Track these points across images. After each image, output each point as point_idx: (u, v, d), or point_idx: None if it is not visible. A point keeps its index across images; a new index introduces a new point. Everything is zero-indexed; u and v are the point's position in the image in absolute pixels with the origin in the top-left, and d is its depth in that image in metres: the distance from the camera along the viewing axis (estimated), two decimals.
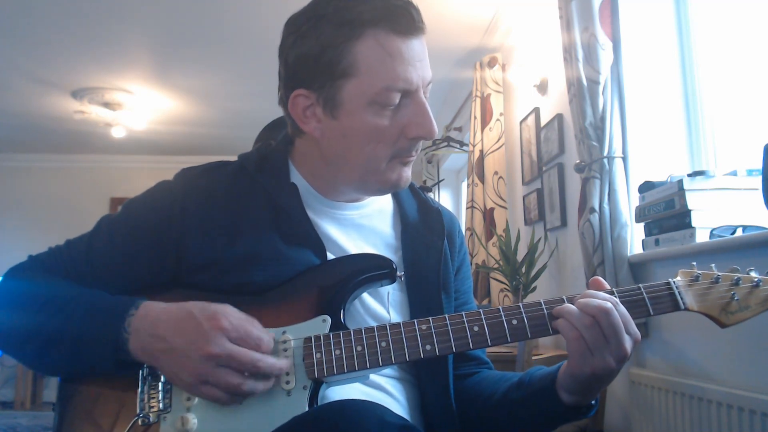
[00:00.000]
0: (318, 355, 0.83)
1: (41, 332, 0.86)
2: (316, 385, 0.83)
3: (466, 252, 1.13)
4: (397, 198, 1.08)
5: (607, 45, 2.10)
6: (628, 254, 2.02)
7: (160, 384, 0.84)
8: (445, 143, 4.01)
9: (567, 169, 2.66)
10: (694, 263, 0.92)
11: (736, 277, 0.87)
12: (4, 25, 3.53)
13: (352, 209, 1.02)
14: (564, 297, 0.87)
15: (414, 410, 0.96)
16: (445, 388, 0.98)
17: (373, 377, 0.92)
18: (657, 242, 1.89)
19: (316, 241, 0.94)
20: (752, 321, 0.88)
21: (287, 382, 0.83)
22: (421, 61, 0.90)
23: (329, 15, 0.89)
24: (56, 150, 6.32)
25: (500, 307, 0.87)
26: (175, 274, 0.93)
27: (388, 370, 0.95)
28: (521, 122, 3.23)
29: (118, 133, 5.06)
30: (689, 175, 1.77)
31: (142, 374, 0.85)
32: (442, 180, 4.40)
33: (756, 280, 0.87)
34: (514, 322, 0.86)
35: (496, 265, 2.76)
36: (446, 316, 0.86)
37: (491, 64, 3.44)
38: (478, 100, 3.49)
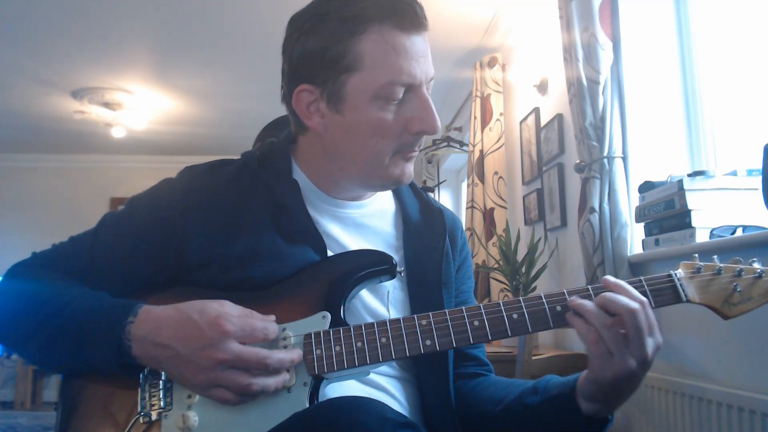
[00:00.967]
0: (318, 351, 0.84)
1: (43, 332, 0.87)
2: (317, 382, 0.83)
3: (468, 252, 1.12)
4: (399, 198, 1.09)
5: (607, 45, 2.10)
6: (628, 254, 2.02)
7: (161, 382, 0.84)
8: (445, 143, 4.01)
9: (567, 169, 2.66)
10: (696, 255, 0.90)
11: (738, 269, 0.86)
12: (5, 26, 3.53)
13: (353, 208, 1.02)
14: (589, 287, 0.85)
15: (414, 410, 0.96)
16: (445, 387, 0.97)
17: (373, 376, 0.92)
18: (657, 242, 1.89)
19: (316, 238, 0.94)
20: (752, 321, 0.87)
21: (288, 379, 0.83)
22: (424, 56, 0.91)
23: (333, 12, 0.90)
24: (56, 150, 6.32)
25: (500, 302, 0.87)
26: (175, 271, 0.93)
27: (387, 370, 0.95)
28: (521, 122, 3.23)
29: (118, 133, 5.06)
30: (689, 175, 1.77)
31: (143, 373, 0.85)
32: (444, 181, 4.40)
33: (759, 271, 0.86)
34: (515, 316, 0.85)
35: (496, 265, 2.76)
36: (446, 311, 0.86)
37: (491, 64, 3.44)
38: (478, 100, 3.49)
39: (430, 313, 0.86)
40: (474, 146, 3.52)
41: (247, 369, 0.79)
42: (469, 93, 3.91)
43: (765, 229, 1.55)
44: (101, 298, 0.89)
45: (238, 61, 4.09)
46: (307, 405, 0.82)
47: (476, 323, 0.85)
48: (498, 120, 3.37)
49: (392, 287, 0.98)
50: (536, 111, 3.01)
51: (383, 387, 0.93)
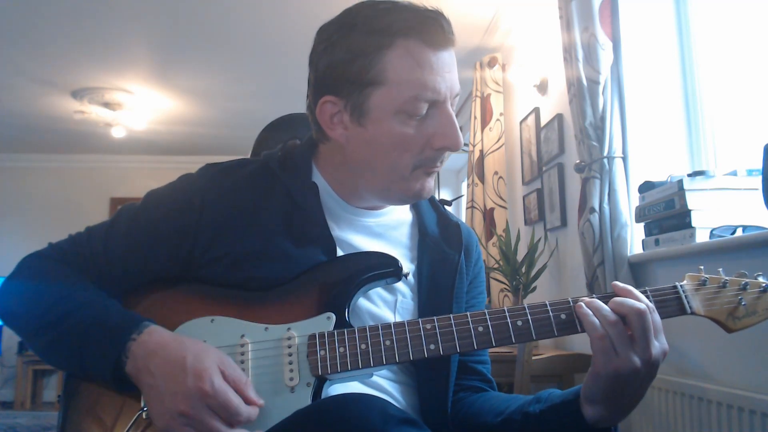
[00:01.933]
0: (322, 352, 0.84)
1: (49, 332, 0.88)
2: (320, 382, 0.84)
3: (482, 267, 1.12)
4: (416, 209, 1.09)
5: (607, 45, 2.10)
6: (628, 254, 2.02)
7: None
8: None
9: (567, 169, 2.66)
10: (701, 267, 0.91)
11: (743, 282, 0.87)
12: (5, 26, 3.53)
13: (370, 217, 1.02)
14: (595, 296, 0.86)
15: (412, 413, 0.96)
16: (444, 395, 0.98)
17: (375, 379, 0.92)
18: (657, 242, 1.89)
19: (328, 240, 0.95)
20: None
21: (291, 379, 0.83)
22: (449, 72, 0.91)
23: (360, 24, 0.90)
24: (56, 150, 6.32)
25: (505, 308, 0.87)
26: (186, 266, 0.94)
27: (389, 373, 0.95)
28: (521, 122, 3.23)
29: (118, 133, 5.06)
30: (689, 175, 1.77)
31: None
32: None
33: (764, 285, 0.86)
34: (519, 323, 0.85)
35: (496, 265, 2.76)
36: (451, 316, 0.86)
37: (491, 64, 3.44)
38: (478, 100, 3.49)
39: (435, 318, 0.86)
40: (474, 146, 3.52)
41: None
42: (469, 93, 3.92)
43: (765, 229, 1.55)
44: (110, 307, 0.89)
45: (238, 61, 4.08)
46: None
47: (480, 329, 0.85)
48: (498, 120, 3.37)
49: (401, 295, 0.98)
50: (536, 111, 3.02)
51: (384, 389, 0.94)
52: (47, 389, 5.99)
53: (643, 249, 1.98)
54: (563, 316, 0.85)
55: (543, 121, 2.94)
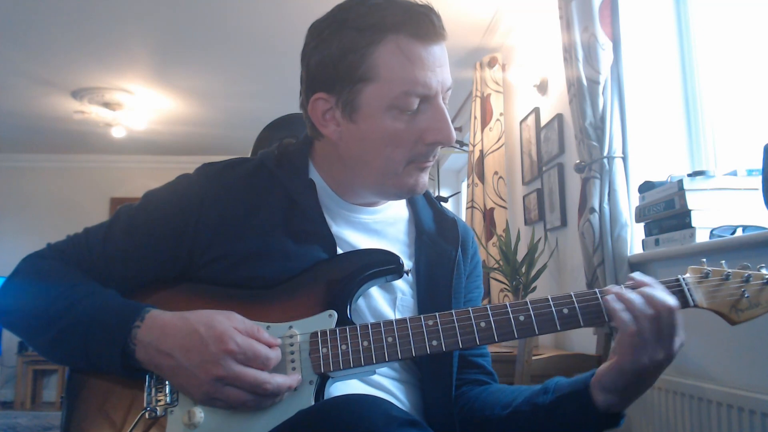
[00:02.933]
0: (324, 349, 0.84)
1: (51, 328, 0.88)
2: (322, 380, 0.84)
3: (478, 261, 1.13)
4: (413, 205, 1.09)
5: (607, 45, 2.10)
6: (628, 254, 2.03)
7: None
8: None
9: (567, 169, 2.66)
10: (704, 260, 0.91)
11: (746, 275, 0.87)
12: (5, 25, 3.53)
13: (367, 213, 1.02)
14: (621, 286, 0.86)
15: (415, 412, 0.97)
16: (447, 392, 0.98)
17: (377, 377, 0.92)
18: (657, 242, 1.89)
19: (327, 239, 0.95)
20: (752, 322, 0.88)
21: None
22: (441, 66, 0.91)
23: (351, 20, 0.90)
24: (56, 150, 6.32)
25: (507, 303, 0.87)
26: (186, 266, 0.94)
27: (391, 371, 0.95)
28: (521, 122, 3.23)
29: (118, 133, 5.06)
30: (689, 175, 1.77)
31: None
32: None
33: (767, 277, 0.86)
34: (521, 318, 0.85)
35: (496, 265, 2.76)
36: (453, 311, 0.87)
37: (491, 64, 3.44)
38: (478, 100, 3.49)
39: (437, 314, 0.86)
40: (474, 146, 3.52)
41: (246, 389, 0.79)
42: (469, 93, 3.92)
43: (765, 229, 1.56)
44: (111, 298, 0.89)
45: (238, 61, 4.09)
46: (313, 403, 0.82)
47: (483, 324, 0.85)
48: (498, 120, 3.37)
49: (401, 292, 0.99)
50: (536, 111, 3.02)
51: (386, 388, 0.94)
52: (47, 389, 5.99)
53: (643, 249, 1.98)
54: (565, 311, 0.86)
55: (543, 121, 2.94)
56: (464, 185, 4.58)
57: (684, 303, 0.87)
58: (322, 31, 0.92)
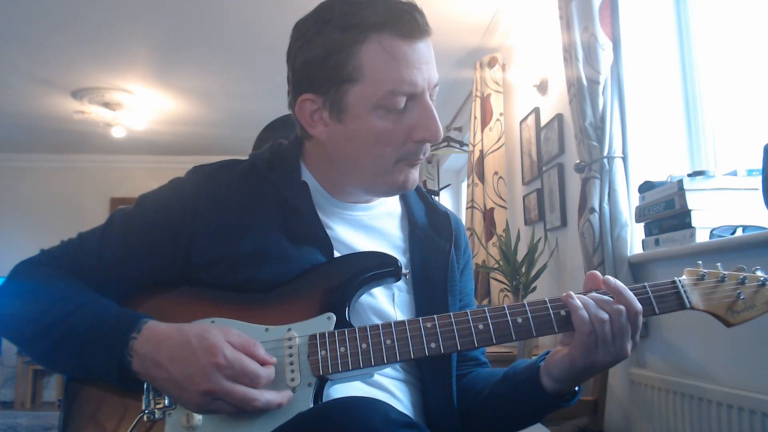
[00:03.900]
0: (323, 352, 0.84)
1: (47, 338, 0.87)
2: (321, 383, 0.84)
3: (470, 255, 1.13)
4: (405, 201, 1.09)
5: (607, 45, 2.10)
6: (628, 254, 2.03)
7: None
8: (445, 143, 4.01)
9: (567, 169, 2.66)
10: (700, 262, 0.92)
11: (741, 276, 0.87)
12: (4, 25, 3.53)
13: (360, 210, 1.02)
14: (592, 293, 0.88)
15: (416, 411, 0.97)
16: (448, 390, 0.98)
17: (377, 378, 0.92)
18: (657, 242, 1.89)
19: (324, 240, 0.95)
20: (752, 322, 0.88)
21: (292, 379, 0.83)
22: (426, 63, 0.90)
23: (334, 20, 0.89)
24: (56, 150, 6.32)
25: (505, 306, 0.87)
26: (183, 270, 0.94)
27: (391, 372, 0.95)
28: (521, 122, 3.23)
29: (118, 133, 5.06)
30: (689, 175, 1.77)
31: None
32: (448, 185, 4.40)
33: (762, 279, 0.87)
34: (519, 320, 0.86)
35: (496, 265, 2.76)
36: (451, 314, 0.87)
37: (491, 64, 3.44)
38: (478, 100, 3.49)
39: (435, 316, 0.86)
40: (474, 146, 3.52)
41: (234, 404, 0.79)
42: (469, 93, 3.91)
43: (765, 229, 1.56)
44: (108, 307, 0.89)
45: (238, 61, 4.09)
46: (312, 405, 0.82)
47: (481, 327, 0.86)
48: (498, 120, 3.37)
49: (398, 289, 0.99)
50: (536, 111, 3.02)
51: (386, 388, 0.94)
52: (47, 389, 5.99)
53: (643, 249, 1.98)
54: (563, 313, 0.87)
55: (543, 121, 2.94)
56: (464, 185, 4.58)
57: (680, 305, 0.88)
58: (306, 31, 0.92)
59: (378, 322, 0.93)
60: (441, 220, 1.07)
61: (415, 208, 1.07)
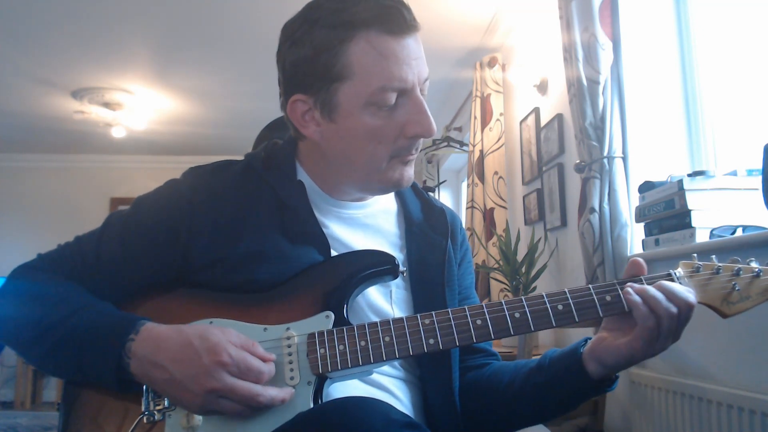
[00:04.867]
0: (322, 350, 0.84)
1: (45, 341, 0.87)
2: (321, 381, 0.84)
3: (468, 248, 1.13)
4: (401, 197, 1.09)
5: (607, 45, 2.10)
6: (628, 254, 2.03)
7: None
8: (445, 143, 4.01)
9: (567, 169, 2.66)
10: (695, 255, 0.92)
11: (736, 268, 0.88)
12: (4, 25, 3.53)
13: (356, 208, 1.03)
14: (615, 281, 0.88)
15: (416, 410, 0.97)
16: (449, 388, 0.98)
17: (376, 377, 0.92)
18: (657, 242, 1.89)
19: (321, 239, 0.95)
20: (752, 321, 0.88)
21: (291, 378, 0.83)
22: (416, 59, 0.90)
23: (322, 19, 0.90)
24: (56, 150, 6.31)
25: (503, 300, 0.87)
26: (180, 271, 0.94)
27: (391, 370, 0.95)
28: (521, 122, 3.23)
29: (118, 133, 5.06)
30: (689, 175, 1.77)
31: None
32: (444, 181, 4.41)
33: (756, 270, 0.88)
34: (517, 315, 0.86)
35: (496, 265, 2.76)
36: (449, 310, 0.87)
37: (491, 64, 3.44)
38: (478, 100, 3.49)
39: (433, 313, 0.87)
40: (474, 146, 3.52)
41: (239, 402, 0.79)
42: (469, 93, 3.91)
43: (765, 229, 1.56)
44: (105, 310, 0.89)
45: (238, 61, 4.08)
46: (312, 404, 0.82)
47: (479, 322, 0.86)
48: (498, 120, 3.37)
49: (395, 286, 0.99)
50: (536, 111, 3.02)
51: (386, 387, 0.94)
52: (47, 389, 5.99)
53: (643, 249, 1.98)
54: (560, 307, 0.86)
55: (543, 121, 2.94)
56: (464, 185, 4.58)
57: None
58: (295, 32, 0.92)
59: (376, 319, 0.93)
60: (437, 215, 1.07)
61: (410, 205, 1.08)
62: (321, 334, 0.85)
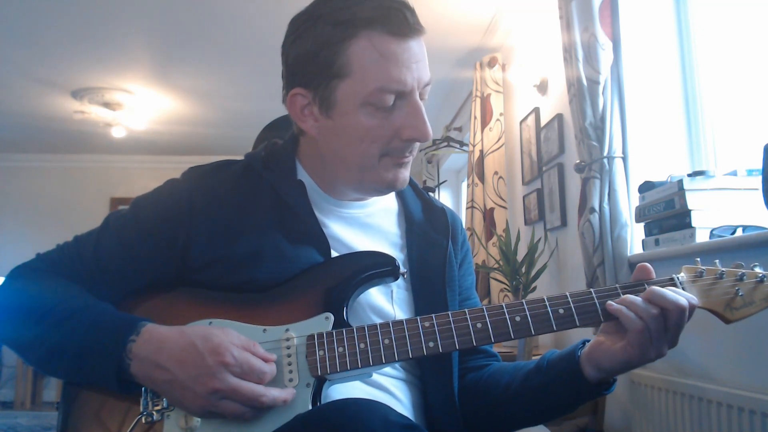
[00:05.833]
0: (321, 352, 0.84)
1: (45, 342, 0.87)
2: (320, 383, 0.84)
3: (468, 248, 1.13)
4: (401, 197, 1.09)
5: (607, 45, 2.10)
6: (628, 254, 2.02)
7: None
8: (445, 143, 4.01)
9: (567, 169, 2.66)
10: (698, 259, 0.91)
11: (740, 273, 0.87)
12: (4, 25, 3.53)
13: (357, 208, 1.02)
14: (617, 285, 0.88)
15: (416, 411, 0.97)
16: (449, 388, 0.98)
17: (376, 378, 0.92)
18: (657, 242, 1.89)
19: (321, 239, 0.95)
20: (752, 321, 0.88)
21: (290, 380, 0.83)
22: (417, 62, 0.90)
23: (326, 15, 0.90)
24: (56, 150, 6.31)
25: (503, 304, 0.87)
26: (180, 272, 0.94)
27: (390, 371, 0.95)
28: (521, 122, 3.23)
29: (118, 133, 5.06)
30: (689, 175, 1.77)
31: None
32: (444, 182, 4.41)
33: (760, 275, 0.87)
34: (518, 318, 0.86)
35: (496, 265, 2.76)
36: (449, 313, 0.87)
37: (491, 64, 3.44)
38: (478, 100, 3.49)
39: (433, 315, 0.86)
40: (474, 146, 3.52)
41: (241, 402, 0.79)
42: (469, 93, 3.91)
43: (765, 229, 1.56)
44: (105, 311, 0.88)
45: (238, 61, 4.08)
46: (310, 406, 0.82)
47: (479, 325, 0.86)
48: (498, 120, 3.37)
49: (396, 287, 0.98)
50: (536, 111, 3.02)
51: (386, 388, 0.94)
52: (47, 389, 5.99)
53: (643, 249, 1.98)
54: (561, 311, 0.86)
55: (543, 121, 2.94)
56: (464, 185, 4.58)
57: None
58: (299, 26, 0.92)
59: (377, 320, 0.93)
60: (437, 216, 1.07)
61: (411, 205, 1.07)
62: (320, 335, 0.85)
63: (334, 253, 0.95)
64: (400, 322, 0.86)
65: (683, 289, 0.87)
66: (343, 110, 0.90)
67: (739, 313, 0.86)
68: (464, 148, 4.00)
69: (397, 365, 0.96)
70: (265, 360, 0.82)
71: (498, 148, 3.33)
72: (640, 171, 2.11)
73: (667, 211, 1.82)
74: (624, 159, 2.09)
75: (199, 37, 3.73)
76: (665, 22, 2.22)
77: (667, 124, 2.16)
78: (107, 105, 4.72)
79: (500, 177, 3.28)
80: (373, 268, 0.91)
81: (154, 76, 4.34)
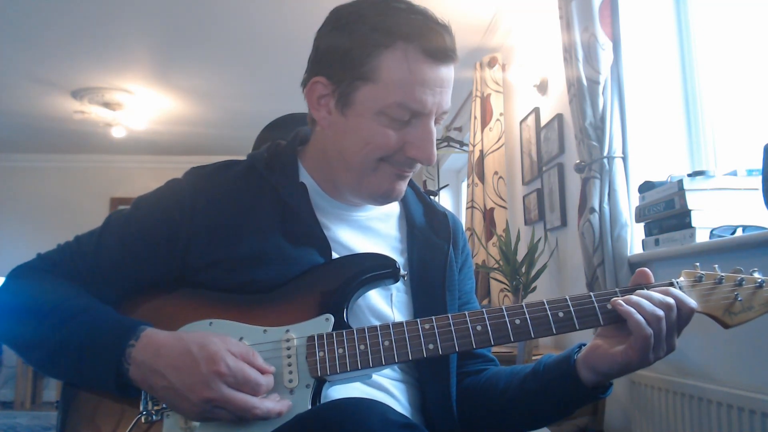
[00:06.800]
0: (321, 353, 0.84)
1: (45, 343, 0.87)
2: (319, 384, 0.84)
3: (468, 252, 1.13)
4: (403, 201, 1.09)
5: (607, 45, 2.10)
6: (628, 254, 2.02)
7: None
8: (445, 143, 4.01)
9: (567, 169, 2.66)
10: (698, 264, 0.91)
11: (739, 278, 0.87)
12: (4, 25, 3.53)
13: (358, 211, 1.03)
14: (617, 289, 0.88)
15: (415, 411, 0.97)
16: (447, 390, 0.98)
17: (376, 378, 0.92)
18: (657, 242, 1.89)
19: (322, 241, 0.95)
20: (752, 322, 0.88)
21: (290, 381, 0.83)
22: (442, 88, 0.91)
23: (369, 17, 0.90)
24: (56, 150, 6.31)
25: (503, 307, 0.87)
26: (181, 272, 0.94)
27: (390, 372, 0.95)
28: (521, 122, 3.23)
29: (118, 133, 5.06)
30: (689, 175, 1.77)
31: None
32: (446, 186, 4.42)
33: (759, 280, 0.87)
34: (517, 321, 0.86)
35: (496, 265, 2.76)
36: (449, 315, 0.87)
37: (491, 64, 3.44)
38: (478, 100, 3.49)
39: (433, 318, 0.86)
40: (474, 146, 3.52)
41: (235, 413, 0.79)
42: (469, 93, 3.91)
43: (765, 229, 1.55)
44: (105, 314, 0.88)
45: (239, 62, 4.08)
46: (310, 407, 0.82)
47: (479, 328, 0.86)
48: (498, 120, 3.37)
49: (396, 289, 0.99)
50: (536, 111, 3.02)
51: (385, 388, 0.94)
52: (47, 389, 5.99)
53: (643, 249, 1.98)
54: (561, 314, 0.86)
55: (543, 121, 2.94)
56: (464, 185, 4.58)
57: None
58: (340, 18, 0.93)
59: (376, 322, 0.93)
60: (439, 220, 1.07)
61: (413, 209, 1.08)
62: (320, 337, 0.85)
63: (335, 255, 0.95)
64: (400, 324, 0.86)
65: (682, 293, 0.87)
66: (359, 112, 0.91)
67: (737, 318, 0.86)
68: (464, 148, 4.00)
69: (395, 366, 0.96)
70: (263, 371, 0.81)
71: (498, 148, 3.33)
72: (640, 171, 2.11)
73: (667, 211, 1.82)
74: (624, 159, 2.09)
75: (199, 37, 3.73)
76: (665, 22, 2.22)
77: (667, 124, 2.16)
78: (107, 105, 4.72)
79: (500, 177, 3.28)
80: (374, 270, 0.91)
81: (154, 76, 4.34)
